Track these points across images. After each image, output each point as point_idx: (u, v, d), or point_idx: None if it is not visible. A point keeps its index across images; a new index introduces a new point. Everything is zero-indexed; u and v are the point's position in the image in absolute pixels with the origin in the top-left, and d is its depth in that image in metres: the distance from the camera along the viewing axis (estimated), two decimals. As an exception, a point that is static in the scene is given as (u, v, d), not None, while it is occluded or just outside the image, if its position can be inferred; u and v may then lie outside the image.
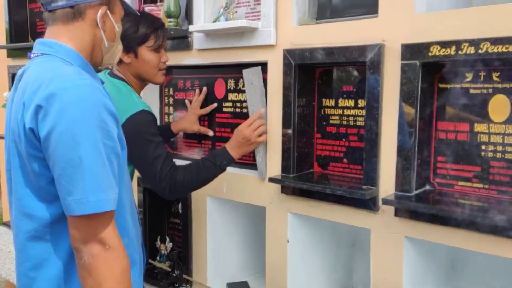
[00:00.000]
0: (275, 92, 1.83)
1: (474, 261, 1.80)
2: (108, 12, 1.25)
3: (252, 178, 1.95)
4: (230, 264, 2.27)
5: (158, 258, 2.39)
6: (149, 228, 2.38)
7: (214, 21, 2.01)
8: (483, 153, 1.47)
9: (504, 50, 1.30)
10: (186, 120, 2.10)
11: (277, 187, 1.86)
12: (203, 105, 2.13)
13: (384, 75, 1.55)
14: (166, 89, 2.34)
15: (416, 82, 1.47)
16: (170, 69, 1.85)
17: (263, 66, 1.88)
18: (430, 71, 1.51)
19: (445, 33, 1.41)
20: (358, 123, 1.74)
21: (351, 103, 1.76)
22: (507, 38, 1.29)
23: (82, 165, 1.07)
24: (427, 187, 1.58)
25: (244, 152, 1.78)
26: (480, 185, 1.48)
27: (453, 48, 1.38)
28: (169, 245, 2.40)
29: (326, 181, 1.73)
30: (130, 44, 1.68)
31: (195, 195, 2.15)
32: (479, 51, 1.33)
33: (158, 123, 2.32)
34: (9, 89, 2.84)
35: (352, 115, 1.76)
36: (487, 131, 1.46)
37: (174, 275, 2.26)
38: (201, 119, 2.15)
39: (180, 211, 2.28)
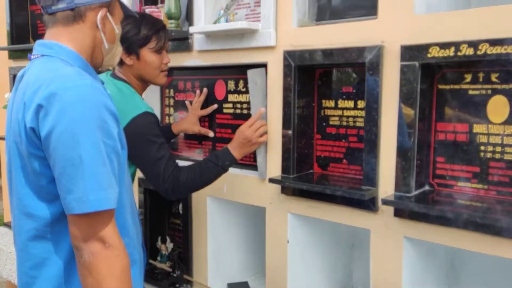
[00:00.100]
0: (275, 93, 1.84)
1: (474, 261, 1.80)
2: (108, 14, 1.26)
3: (252, 178, 1.96)
4: (230, 265, 2.27)
5: (158, 258, 2.40)
6: (150, 228, 2.38)
7: (215, 23, 2.02)
8: (482, 154, 1.48)
9: (503, 51, 1.30)
10: (187, 121, 2.11)
11: (277, 187, 1.86)
12: (203, 106, 2.13)
13: (383, 76, 1.56)
14: (167, 90, 2.35)
15: (415, 83, 1.47)
16: (170, 71, 1.86)
17: (263, 67, 1.88)
18: (429, 72, 1.51)
19: (444, 34, 1.41)
20: (358, 124, 1.75)
21: (350, 104, 1.76)
22: (506, 39, 1.30)
23: (83, 164, 1.08)
24: (427, 187, 1.59)
25: (246, 153, 1.79)
26: (479, 186, 1.49)
27: (452, 49, 1.38)
28: (170, 245, 2.40)
29: (326, 181, 1.74)
30: (132, 46, 1.69)
31: (196, 195, 2.15)
32: (478, 52, 1.34)
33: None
34: (10, 91, 2.85)
35: (351, 116, 1.77)
36: (486, 132, 1.47)
37: (175, 275, 2.26)
38: (202, 120, 2.16)
39: (181, 211, 2.29)
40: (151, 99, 2.30)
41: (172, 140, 2.23)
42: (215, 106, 2.11)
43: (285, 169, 1.82)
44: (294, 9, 1.78)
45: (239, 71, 2.03)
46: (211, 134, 2.12)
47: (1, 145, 3.05)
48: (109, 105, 1.15)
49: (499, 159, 1.45)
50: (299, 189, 1.77)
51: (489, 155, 1.46)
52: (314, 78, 1.84)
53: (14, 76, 2.93)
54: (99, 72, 1.56)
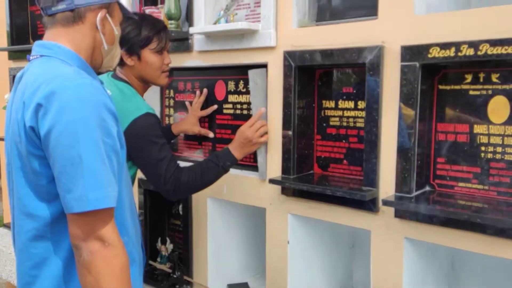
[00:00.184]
0: (275, 94, 1.83)
1: (474, 262, 1.80)
2: (107, 15, 1.27)
3: (252, 179, 1.96)
4: (230, 265, 2.27)
5: (158, 259, 2.39)
6: (150, 229, 2.38)
7: (215, 23, 2.02)
8: (482, 154, 1.48)
9: (503, 51, 1.30)
10: (187, 122, 2.11)
11: (277, 188, 1.86)
12: (203, 107, 2.13)
13: (383, 77, 1.55)
14: (167, 91, 2.35)
15: (415, 83, 1.47)
16: (170, 71, 1.86)
17: (264, 67, 1.88)
18: (429, 72, 1.51)
19: (445, 35, 1.41)
20: (358, 125, 1.75)
21: (351, 104, 1.76)
22: (506, 40, 1.29)
23: (82, 162, 1.08)
24: (427, 188, 1.58)
25: (246, 153, 1.79)
26: (480, 186, 1.49)
27: (453, 49, 1.38)
28: (170, 246, 2.40)
29: (326, 182, 1.73)
30: (133, 47, 1.69)
31: (196, 196, 2.15)
32: (479, 53, 1.34)
33: (159, 124, 2.32)
34: (10, 91, 2.85)
35: (352, 117, 1.77)
36: (486, 132, 1.47)
37: (175, 276, 2.26)
38: (202, 120, 2.16)
39: (181, 212, 2.29)
40: (151, 100, 2.30)
41: (172, 141, 2.23)
42: (215, 106, 2.11)
43: (285, 169, 1.82)
44: (294, 9, 1.78)
45: (239, 72, 2.02)
46: (211, 134, 2.12)
47: (1, 146, 3.05)
48: (108, 104, 1.15)
49: (499, 160, 1.45)
50: (299, 190, 1.77)
51: (489, 155, 1.46)
52: (314, 78, 1.84)
53: (14, 77, 2.93)
54: (99, 73, 1.56)
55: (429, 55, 1.43)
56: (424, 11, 1.50)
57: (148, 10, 2.21)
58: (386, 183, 1.57)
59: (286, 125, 1.80)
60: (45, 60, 1.21)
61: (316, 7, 1.84)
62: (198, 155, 2.23)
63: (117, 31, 1.32)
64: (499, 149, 1.45)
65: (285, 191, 1.84)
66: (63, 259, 1.20)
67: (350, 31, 1.63)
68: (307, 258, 1.94)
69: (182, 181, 1.64)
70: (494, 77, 1.44)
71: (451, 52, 1.39)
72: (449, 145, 1.53)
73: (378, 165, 1.58)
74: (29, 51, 1.28)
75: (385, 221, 1.59)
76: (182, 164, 1.74)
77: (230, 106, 2.09)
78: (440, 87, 1.54)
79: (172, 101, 2.33)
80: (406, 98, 1.49)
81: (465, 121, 1.50)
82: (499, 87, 1.43)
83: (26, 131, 1.13)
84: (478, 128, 1.48)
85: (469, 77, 1.48)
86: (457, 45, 1.37)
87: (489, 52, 1.32)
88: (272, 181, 1.80)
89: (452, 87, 1.52)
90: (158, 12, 2.19)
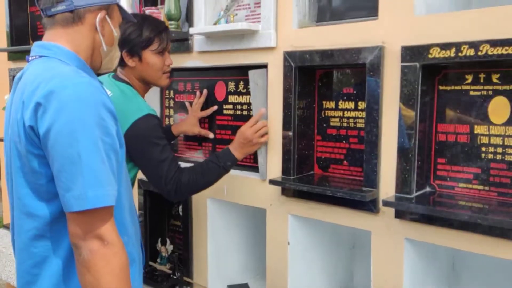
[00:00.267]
0: (275, 94, 1.83)
1: (475, 262, 1.80)
2: (106, 17, 1.28)
3: (253, 180, 1.96)
4: (230, 266, 2.27)
5: (158, 260, 2.39)
6: (150, 230, 2.38)
7: (215, 24, 2.01)
8: (483, 155, 1.47)
9: (503, 52, 1.30)
10: (187, 123, 2.11)
11: (277, 189, 1.86)
12: (203, 108, 2.13)
13: (384, 77, 1.55)
14: (167, 92, 2.35)
15: (416, 84, 1.47)
16: (170, 72, 1.86)
17: (264, 68, 1.88)
18: (430, 73, 1.51)
19: (445, 35, 1.41)
20: (358, 125, 1.74)
21: (351, 105, 1.76)
22: (506, 40, 1.29)
23: (81, 161, 1.08)
24: (428, 189, 1.58)
25: (247, 153, 1.80)
26: (481, 187, 1.48)
27: (453, 50, 1.38)
28: (170, 247, 2.40)
29: (327, 183, 1.73)
30: (134, 47, 1.69)
31: (196, 197, 2.15)
32: (479, 53, 1.34)
33: (159, 125, 2.32)
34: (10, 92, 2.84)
35: (352, 117, 1.76)
36: (487, 133, 1.46)
37: (175, 277, 2.26)
38: (202, 121, 2.16)
39: (181, 213, 2.28)
40: (151, 100, 2.30)
41: (172, 142, 2.22)
42: (215, 107, 2.11)
43: (285, 170, 1.81)
44: (294, 10, 1.77)
45: (239, 72, 2.02)
46: (211, 135, 2.12)
47: (1, 146, 3.05)
48: (107, 103, 1.16)
49: (500, 160, 1.44)
50: (299, 191, 1.76)
51: (490, 156, 1.46)
52: (314, 79, 1.84)
53: (14, 77, 2.92)
54: (99, 74, 1.56)
55: (430, 56, 1.43)
56: (424, 11, 1.50)
57: (148, 11, 2.21)
58: (387, 184, 1.57)
59: (286, 125, 1.80)
60: (44, 60, 1.22)
61: (316, 7, 1.83)
62: (198, 156, 2.22)
63: (116, 33, 1.33)
64: (499, 150, 1.44)
65: (285, 191, 1.84)
66: (63, 258, 1.20)
67: (350, 32, 1.63)
68: (307, 259, 1.94)
69: (184, 182, 1.64)
70: (495, 78, 1.44)
71: (451, 53, 1.38)
72: (449, 146, 1.53)
73: (379, 166, 1.58)
74: (28, 52, 1.29)
75: (386, 222, 1.58)
76: (182, 165, 1.74)
77: (230, 106, 2.09)
78: (441, 87, 1.54)
79: (172, 102, 2.33)
80: (406, 98, 1.49)
81: (466, 122, 1.50)
82: (500, 87, 1.43)
83: (25, 130, 1.13)
84: (479, 129, 1.48)
85: (469, 78, 1.48)
86: (458, 45, 1.37)
87: (489, 52, 1.32)
88: (272, 181, 1.80)
89: (453, 87, 1.52)
90: (158, 13, 2.18)
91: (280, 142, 1.82)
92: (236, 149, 1.76)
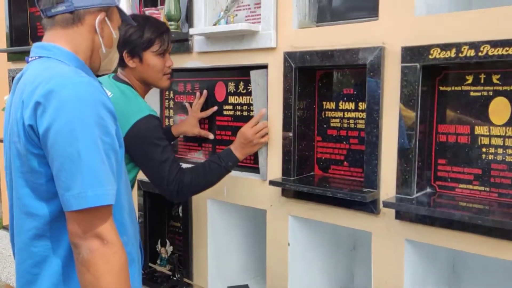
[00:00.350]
0: (275, 95, 1.83)
1: (475, 263, 1.80)
2: (106, 18, 1.29)
3: (253, 181, 1.95)
4: (230, 267, 2.26)
5: (158, 261, 2.39)
6: (150, 231, 2.37)
7: (215, 24, 2.01)
8: (483, 156, 1.47)
9: (504, 52, 1.30)
10: (187, 123, 2.11)
11: (277, 190, 1.85)
12: (203, 108, 2.13)
13: (384, 78, 1.55)
14: (167, 92, 2.35)
15: (416, 84, 1.47)
16: (171, 73, 1.86)
17: (266, 69, 1.88)
18: (430, 73, 1.51)
19: (445, 36, 1.41)
20: (359, 126, 1.74)
21: (351, 105, 1.76)
22: (507, 41, 1.29)
23: (81, 160, 1.08)
24: (428, 190, 1.58)
25: (248, 153, 1.80)
26: (481, 188, 1.48)
27: (453, 50, 1.38)
28: (170, 248, 2.40)
29: (327, 184, 1.73)
30: (135, 49, 1.69)
31: (196, 198, 2.15)
32: (479, 54, 1.33)
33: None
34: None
35: (352, 118, 1.76)
36: (487, 133, 1.46)
37: (175, 278, 2.25)
38: (202, 122, 2.15)
39: (181, 214, 2.28)
40: (151, 101, 2.29)
41: (172, 143, 2.22)
42: (215, 108, 2.11)
43: (285, 171, 1.81)
44: (294, 10, 1.77)
45: (240, 73, 2.02)
46: (211, 136, 2.12)
47: (1, 147, 3.04)
48: (106, 103, 1.16)
49: (500, 161, 1.44)
50: (299, 192, 1.76)
51: (490, 157, 1.46)
52: (314, 79, 1.84)
53: (13, 78, 2.92)
54: (98, 76, 1.57)
55: (430, 56, 1.42)
56: (424, 12, 1.50)
57: (148, 11, 2.21)
58: (387, 185, 1.57)
59: (286, 126, 1.80)
60: (43, 61, 1.22)
61: (317, 8, 1.83)
62: (198, 157, 2.22)
63: (115, 35, 1.34)
64: (500, 151, 1.44)
65: (285, 192, 1.83)
66: (62, 257, 1.21)
67: (350, 32, 1.62)
68: (307, 260, 1.93)
69: (185, 182, 1.64)
70: (495, 78, 1.43)
71: (451, 53, 1.38)
72: (450, 147, 1.53)
73: (379, 167, 1.58)
74: (28, 53, 1.29)
75: (386, 223, 1.58)
76: (183, 165, 1.74)
77: (230, 107, 2.09)
78: (441, 88, 1.54)
79: (172, 103, 2.33)
80: (406, 99, 1.49)
81: (466, 122, 1.50)
82: (500, 88, 1.43)
83: (25, 129, 1.13)
84: (479, 129, 1.48)
85: (470, 78, 1.48)
86: (458, 46, 1.37)
87: (490, 53, 1.32)
88: (272, 182, 1.80)
89: (453, 88, 1.52)
90: (158, 13, 2.18)
91: (280, 143, 1.82)
92: (237, 149, 1.77)
